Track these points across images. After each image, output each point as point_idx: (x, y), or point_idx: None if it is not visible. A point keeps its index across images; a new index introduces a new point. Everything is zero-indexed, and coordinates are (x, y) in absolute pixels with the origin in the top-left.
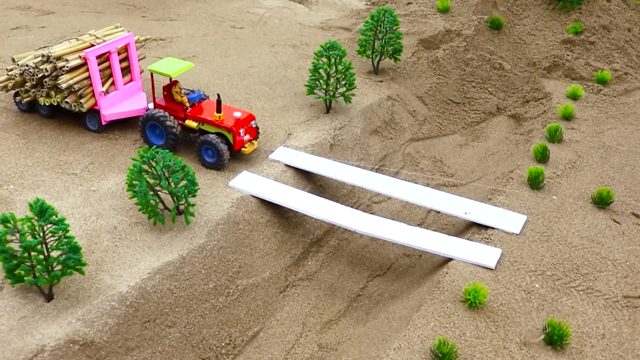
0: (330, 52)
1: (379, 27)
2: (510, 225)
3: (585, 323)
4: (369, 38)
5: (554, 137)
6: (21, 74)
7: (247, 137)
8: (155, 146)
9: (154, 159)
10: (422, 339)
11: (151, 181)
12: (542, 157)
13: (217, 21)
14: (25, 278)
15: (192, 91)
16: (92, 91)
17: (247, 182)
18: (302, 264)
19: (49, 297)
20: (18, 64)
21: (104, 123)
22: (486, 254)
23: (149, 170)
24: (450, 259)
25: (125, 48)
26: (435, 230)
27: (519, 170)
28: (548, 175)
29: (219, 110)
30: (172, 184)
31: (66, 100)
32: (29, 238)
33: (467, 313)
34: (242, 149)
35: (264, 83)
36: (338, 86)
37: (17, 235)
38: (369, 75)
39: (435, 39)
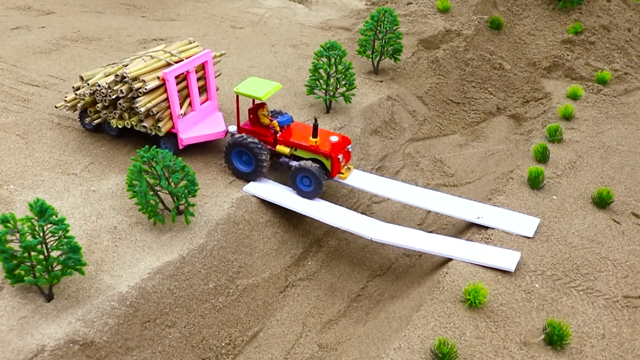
0: (330, 52)
1: (379, 27)
2: (523, 229)
3: (585, 323)
4: (369, 38)
5: (554, 137)
6: (91, 94)
7: (343, 162)
8: (241, 173)
9: (154, 159)
10: (422, 339)
11: (151, 181)
12: (542, 157)
13: (217, 21)
14: (25, 278)
15: (280, 113)
16: (170, 114)
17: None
18: (302, 264)
19: (49, 297)
20: (88, 83)
21: (181, 147)
22: (505, 257)
23: (149, 170)
24: (450, 259)
25: (202, 66)
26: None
27: (519, 170)
28: (548, 175)
29: (314, 135)
30: (172, 184)
31: (143, 124)
32: (29, 238)
33: (467, 313)
34: (339, 174)
35: None
36: (338, 86)
37: (17, 235)
38: (369, 75)
39: (435, 39)
